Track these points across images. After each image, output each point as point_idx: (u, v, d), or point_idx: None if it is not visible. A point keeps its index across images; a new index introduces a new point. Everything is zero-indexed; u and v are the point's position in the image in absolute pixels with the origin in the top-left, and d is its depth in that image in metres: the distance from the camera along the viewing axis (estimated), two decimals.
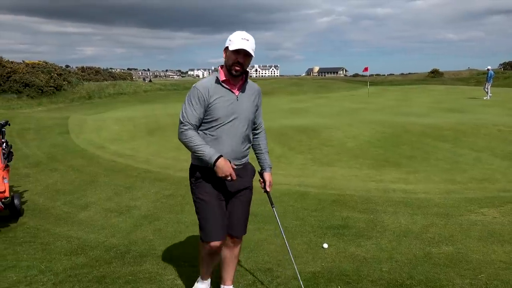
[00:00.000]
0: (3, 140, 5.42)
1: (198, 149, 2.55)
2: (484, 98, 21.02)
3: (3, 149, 5.22)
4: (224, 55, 2.66)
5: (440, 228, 4.48)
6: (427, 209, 5.15)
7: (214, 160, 2.53)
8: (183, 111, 2.60)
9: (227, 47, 2.62)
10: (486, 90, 21.75)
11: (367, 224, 4.67)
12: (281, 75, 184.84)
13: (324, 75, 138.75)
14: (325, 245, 4.05)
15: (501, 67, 59.45)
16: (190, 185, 2.79)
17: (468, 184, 6.22)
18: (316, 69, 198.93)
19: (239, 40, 2.57)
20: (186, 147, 2.61)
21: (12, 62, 28.85)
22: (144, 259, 3.88)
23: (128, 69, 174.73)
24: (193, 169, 2.74)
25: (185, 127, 2.58)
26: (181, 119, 2.60)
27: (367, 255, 3.84)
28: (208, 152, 2.54)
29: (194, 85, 2.60)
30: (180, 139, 2.62)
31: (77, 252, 4.06)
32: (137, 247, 4.18)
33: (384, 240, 4.20)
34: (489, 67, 22.83)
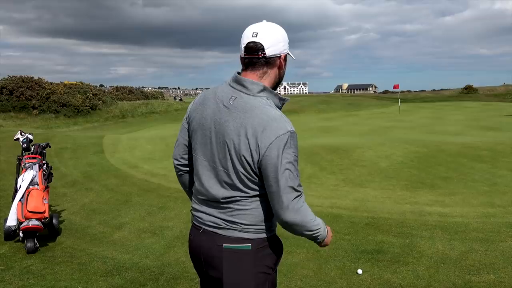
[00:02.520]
0: (44, 161, 5.64)
1: (313, 221, 1.74)
2: None
3: (44, 170, 5.43)
4: (282, 66, 1.79)
5: (480, 255, 4.31)
6: (466, 234, 4.98)
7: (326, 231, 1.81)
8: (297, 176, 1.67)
9: (287, 55, 1.81)
10: None
11: (402, 249, 4.55)
12: (310, 92, 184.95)
13: (353, 92, 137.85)
14: (360, 271, 3.97)
15: None
16: (270, 274, 1.77)
17: (509, 208, 5.97)
18: (345, 86, 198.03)
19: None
20: (299, 223, 1.67)
21: (51, 83, 30.21)
22: (177, 281, 3.91)
23: (159, 87, 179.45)
24: (274, 243, 1.79)
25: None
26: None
27: (403, 283, 3.74)
28: (320, 222, 1.78)
29: (292, 129, 1.65)
30: (300, 213, 1.66)
31: (113, 273, 4.14)
32: (170, 269, 4.23)
33: (421, 266, 4.08)
34: None
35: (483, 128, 15.48)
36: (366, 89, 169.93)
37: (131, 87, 47.58)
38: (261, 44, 1.69)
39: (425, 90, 78.00)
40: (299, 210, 1.65)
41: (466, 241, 4.72)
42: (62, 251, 4.86)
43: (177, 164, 1.98)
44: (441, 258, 4.26)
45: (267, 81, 1.75)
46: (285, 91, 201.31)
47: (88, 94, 30.46)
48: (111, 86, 48.94)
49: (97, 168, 10.20)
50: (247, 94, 1.69)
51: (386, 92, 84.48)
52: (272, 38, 1.72)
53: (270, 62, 1.73)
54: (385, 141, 11.96)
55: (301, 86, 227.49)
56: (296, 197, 1.64)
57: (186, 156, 1.93)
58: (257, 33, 1.71)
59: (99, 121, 28.21)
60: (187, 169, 1.97)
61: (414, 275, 3.88)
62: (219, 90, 1.77)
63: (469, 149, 10.28)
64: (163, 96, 58.11)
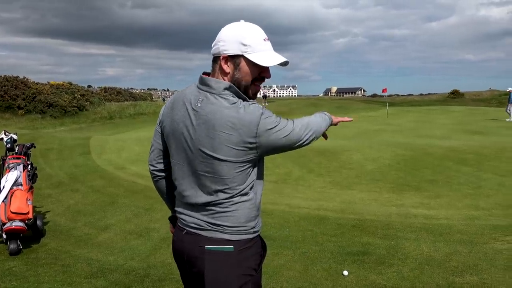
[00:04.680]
0: (28, 162, 5.56)
1: None
2: (507, 120, 20.65)
3: (28, 171, 5.35)
4: (225, 68, 1.67)
5: (464, 257, 4.36)
6: (450, 236, 5.03)
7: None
8: None
9: (240, 56, 1.66)
10: (508, 111, 21.39)
11: (388, 251, 4.58)
12: (299, 95, 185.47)
13: (342, 95, 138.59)
14: (345, 273, 3.99)
15: None
16: (253, 275, 1.74)
17: (492, 210, 6.06)
18: (334, 89, 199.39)
19: (266, 44, 1.70)
20: (316, 135, 1.89)
21: (37, 84, 29.79)
22: (162, 283, 3.89)
23: (148, 89, 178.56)
24: (257, 243, 1.80)
25: None
26: None
27: (388, 284, 3.77)
28: (320, 121, 2.00)
29: (261, 109, 1.65)
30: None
31: (97, 275, 4.09)
32: (156, 270, 4.19)
33: (405, 268, 4.11)
34: (510, 89, 22.47)
35: (469, 132, 15.70)
36: (355, 93, 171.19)
37: (120, 88, 47.17)
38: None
39: (412, 94, 78.71)
40: (308, 134, 1.76)
41: (451, 243, 4.77)
42: (46, 253, 4.79)
43: (153, 170, 1.93)
44: (425, 260, 4.30)
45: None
46: (274, 93, 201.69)
47: (75, 95, 30.13)
48: (99, 87, 48.49)
49: (83, 169, 10.09)
50: (213, 93, 1.64)
51: (374, 95, 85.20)
52: (218, 36, 1.68)
53: (216, 61, 1.70)
54: (373, 144, 12.05)
55: (291, 89, 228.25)
56: (297, 132, 1.70)
57: (161, 161, 1.89)
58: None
59: (86, 122, 27.90)
60: (163, 174, 1.92)
61: (399, 277, 3.91)
62: (188, 92, 1.72)
63: (455, 153, 10.41)
64: (152, 98, 57.77)
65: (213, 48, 1.70)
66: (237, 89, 1.66)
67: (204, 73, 1.74)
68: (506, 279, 3.78)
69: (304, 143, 1.77)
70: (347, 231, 5.30)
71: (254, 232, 1.75)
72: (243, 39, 1.64)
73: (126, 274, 4.12)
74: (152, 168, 1.92)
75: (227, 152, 1.60)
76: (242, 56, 1.65)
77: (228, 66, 1.67)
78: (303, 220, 5.79)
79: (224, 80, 1.67)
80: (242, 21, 1.69)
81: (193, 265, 1.73)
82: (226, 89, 1.63)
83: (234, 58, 1.66)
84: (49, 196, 7.56)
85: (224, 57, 1.66)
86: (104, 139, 15.89)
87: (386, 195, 7.18)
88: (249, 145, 1.60)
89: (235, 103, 1.61)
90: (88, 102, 30.83)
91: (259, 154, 1.66)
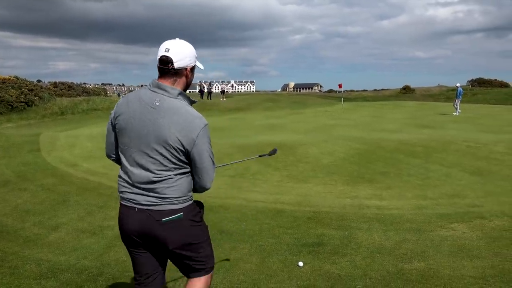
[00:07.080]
0: None
1: None
2: (454, 114, 21.75)
3: None
4: (189, 76, 2.28)
5: (412, 244, 4.57)
6: (400, 225, 5.25)
7: None
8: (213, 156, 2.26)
9: (193, 67, 2.32)
10: (456, 106, 22.51)
11: (341, 241, 4.72)
12: (257, 91, 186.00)
13: (300, 91, 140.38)
14: (301, 263, 4.07)
15: (469, 84, 61.63)
16: (201, 224, 2.37)
17: (439, 200, 6.38)
18: (292, 84, 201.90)
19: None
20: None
21: None
22: (117, 281, 3.80)
23: (103, 84, 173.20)
24: (196, 204, 2.37)
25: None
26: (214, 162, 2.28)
27: (341, 273, 3.88)
28: None
29: (207, 122, 2.19)
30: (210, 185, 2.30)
31: (47, 276, 3.94)
32: (110, 269, 4.09)
33: (358, 257, 4.25)
34: (458, 84, 23.66)
35: (419, 126, 16.38)
36: (312, 88, 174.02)
37: (71, 83, 45.38)
38: (171, 58, 2.16)
39: (367, 90, 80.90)
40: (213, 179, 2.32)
41: (400, 232, 4.98)
42: None
43: (112, 159, 2.47)
44: (377, 248, 4.47)
45: (179, 87, 2.22)
46: (232, 89, 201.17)
47: (23, 90, 28.66)
48: (49, 82, 46.40)
49: (32, 167, 9.65)
50: (169, 96, 2.16)
51: (330, 91, 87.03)
52: (179, 54, 2.17)
53: (178, 72, 2.20)
54: (329, 138, 12.32)
55: (249, 84, 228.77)
56: (211, 165, 2.25)
57: (116, 152, 2.39)
58: (169, 49, 2.16)
59: (36, 118, 26.64)
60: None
61: (352, 265, 4.04)
62: (142, 94, 2.21)
63: (405, 146, 10.85)
64: (106, 93, 56.04)
65: (177, 63, 2.17)
66: (185, 94, 2.23)
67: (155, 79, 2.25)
68: (450, 264, 4.00)
69: (205, 162, 2.22)
70: (303, 223, 5.41)
71: (191, 197, 2.29)
72: (195, 52, 2.27)
73: (78, 273, 3.99)
74: (112, 158, 2.45)
75: (176, 141, 2.11)
76: (195, 64, 2.30)
77: (191, 74, 2.28)
78: (260, 214, 5.84)
79: (180, 84, 2.23)
80: (178, 39, 2.23)
81: (153, 235, 2.19)
82: (179, 94, 2.19)
83: (193, 67, 2.30)
84: None
85: (191, 68, 2.26)
86: (55, 136, 15.27)
87: (341, 187, 7.37)
88: (190, 140, 2.12)
89: (189, 106, 2.19)
90: (38, 97, 29.45)
91: (190, 150, 2.15)
